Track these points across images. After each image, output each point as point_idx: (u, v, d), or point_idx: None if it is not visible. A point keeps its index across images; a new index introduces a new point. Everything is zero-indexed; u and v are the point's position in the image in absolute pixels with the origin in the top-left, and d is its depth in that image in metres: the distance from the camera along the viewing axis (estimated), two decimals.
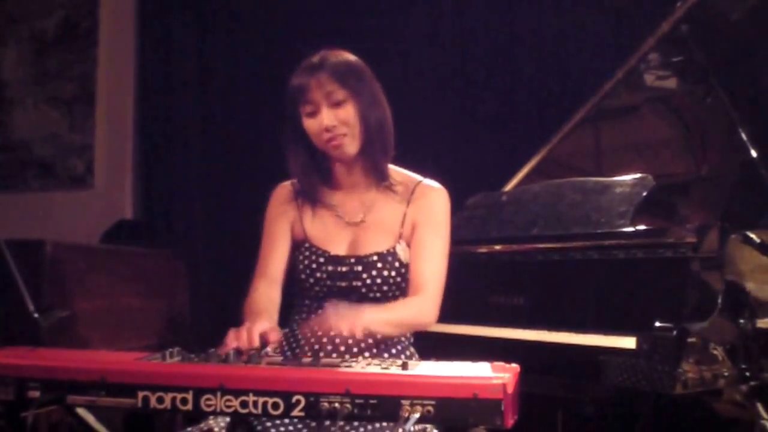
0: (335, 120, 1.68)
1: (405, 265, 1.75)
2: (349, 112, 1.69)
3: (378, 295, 1.74)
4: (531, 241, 2.33)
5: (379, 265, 1.73)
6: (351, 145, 1.71)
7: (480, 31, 3.57)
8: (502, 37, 3.52)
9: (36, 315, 2.23)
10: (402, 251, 1.75)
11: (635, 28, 3.14)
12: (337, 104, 1.68)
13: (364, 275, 1.72)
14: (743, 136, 2.30)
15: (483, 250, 2.45)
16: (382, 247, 1.74)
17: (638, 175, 2.24)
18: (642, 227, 2.09)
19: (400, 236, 1.77)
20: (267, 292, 1.74)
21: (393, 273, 1.73)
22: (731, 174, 2.47)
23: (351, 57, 1.76)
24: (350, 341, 1.68)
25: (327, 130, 1.68)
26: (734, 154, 2.36)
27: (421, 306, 1.71)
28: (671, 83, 2.67)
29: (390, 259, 1.73)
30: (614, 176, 2.30)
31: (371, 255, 1.73)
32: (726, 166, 2.50)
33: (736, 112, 2.32)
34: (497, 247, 2.42)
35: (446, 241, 1.78)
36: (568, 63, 3.39)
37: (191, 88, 4.13)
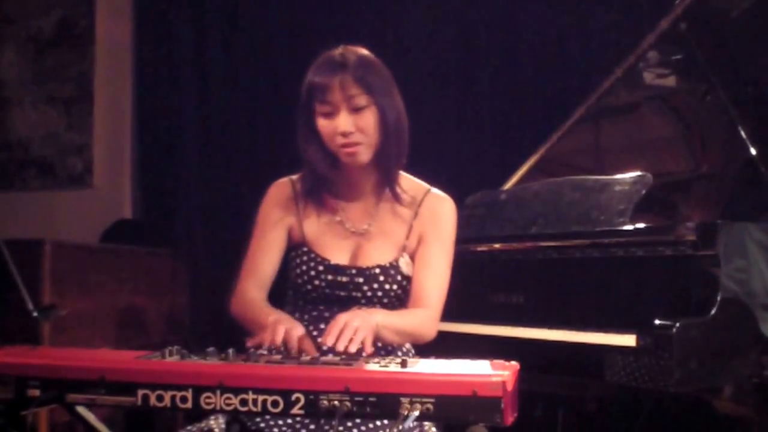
0: (353, 126, 1.59)
1: (407, 278, 1.70)
2: (368, 119, 1.60)
3: (377, 307, 1.68)
4: (531, 240, 2.32)
5: (381, 278, 1.67)
6: (365, 154, 1.63)
7: (480, 29, 3.57)
8: (502, 36, 3.52)
9: (36, 314, 2.24)
10: (405, 265, 1.70)
11: (635, 26, 3.14)
12: (357, 110, 1.59)
13: (365, 287, 1.67)
14: (743, 133, 2.29)
15: (482, 248, 2.45)
16: (385, 260, 1.69)
17: (638, 173, 2.23)
18: (642, 225, 2.09)
19: (404, 249, 1.71)
20: (258, 297, 1.68)
21: (395, 286, 1.69)
22: (731, 172, 2.47)
23: (373, 57, 1.66)
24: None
25: (343, 135, 1.59)
26: (734, 152, 2.36)
27: (424, 319, 1.67)
28: (671, 81, 2.67)
29: (392, 272, 1.68)
30: (614, 174, 2.30)
31: (374, 267, 1.68)
32: (726, 164, 2.50)
33: (736, 110, 2.32)
34: (497, 246, 2.42)
35: (451, 255, 1.73)
36: (568, 61, 3.39)
37: (190, 86, 4.12)
